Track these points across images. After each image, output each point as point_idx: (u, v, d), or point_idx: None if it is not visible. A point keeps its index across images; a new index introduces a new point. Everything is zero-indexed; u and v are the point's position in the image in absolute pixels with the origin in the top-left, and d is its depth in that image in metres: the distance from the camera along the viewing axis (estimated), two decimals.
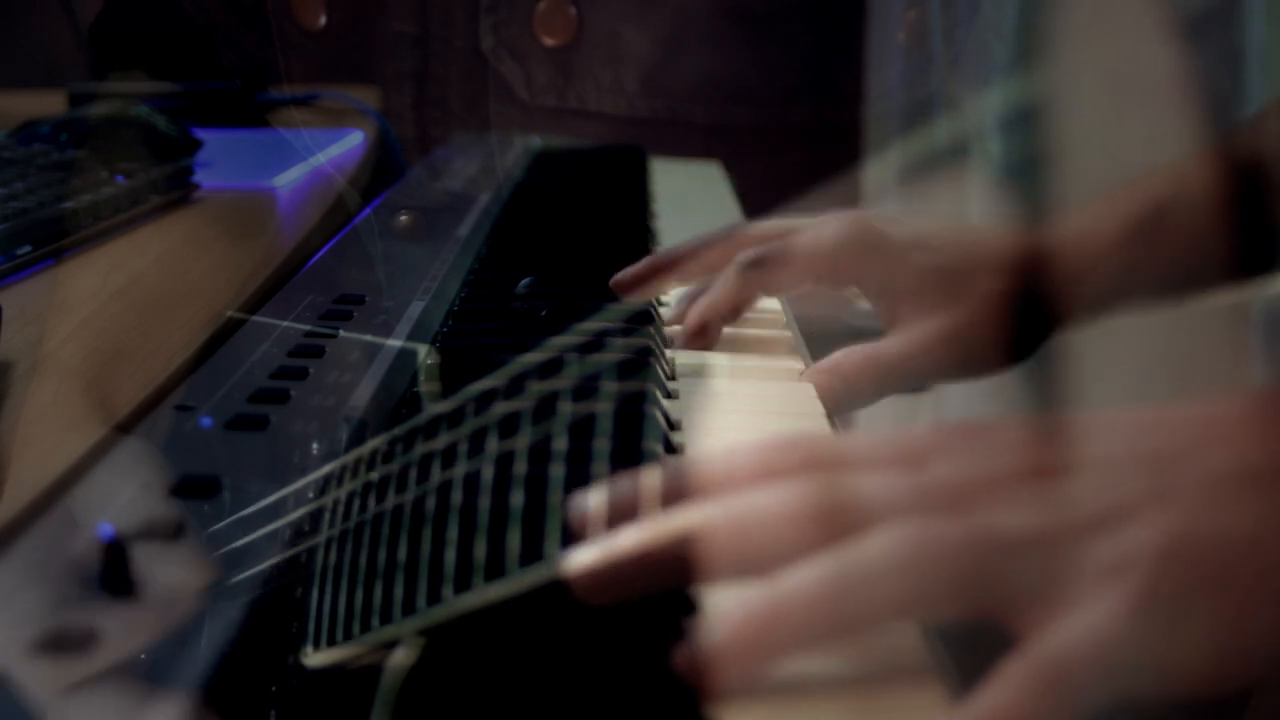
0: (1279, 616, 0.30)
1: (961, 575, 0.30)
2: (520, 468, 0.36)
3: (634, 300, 0.58)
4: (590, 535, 0.33)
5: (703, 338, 0.57)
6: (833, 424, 0.50)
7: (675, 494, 0.33)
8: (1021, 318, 0.56)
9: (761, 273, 0.56)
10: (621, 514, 0.33)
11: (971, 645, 0.31)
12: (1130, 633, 0.29)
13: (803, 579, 0.30)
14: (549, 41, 1.17)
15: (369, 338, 0.54)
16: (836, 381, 0.53)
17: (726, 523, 0.32)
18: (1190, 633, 0.29)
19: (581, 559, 0.32)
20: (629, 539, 0.32)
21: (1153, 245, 0.56)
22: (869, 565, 0.30)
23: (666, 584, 0.32)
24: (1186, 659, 0.29)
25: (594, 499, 0.33)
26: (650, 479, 0.34)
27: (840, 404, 0.53)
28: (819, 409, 0.50)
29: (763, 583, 0.30)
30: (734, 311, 0.57)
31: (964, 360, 0.56)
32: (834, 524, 0.31)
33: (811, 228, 0.58)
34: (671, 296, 0.64)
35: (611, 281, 0.59)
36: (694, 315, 0.57)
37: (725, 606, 0.30)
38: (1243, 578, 0.30)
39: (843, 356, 0.54)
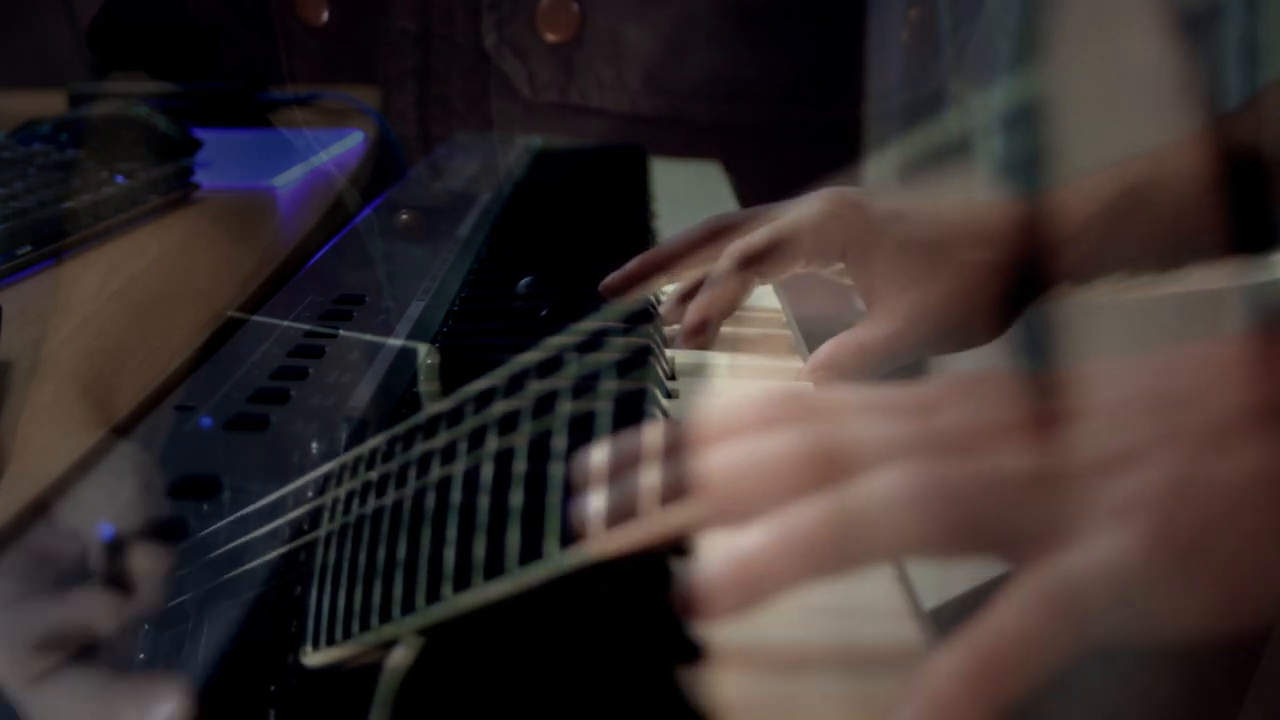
0: None
1: (965, 514, 0.30)
2: (520, 466, 0.36)
3: (625, 302, 0.58)
4: (593, 493, 0.32)
5: (701, 336, 0.57)
6: None
7: (675, 447, 0.33)
8: (999, 288, 0.56)
9: (752, 263, 0.56)
10: (623, 468, 0.33)
11: None
12: (1142, 569, 0.28)
13: (804, 513, 0.30)
14: (551, 38, 1.17)
15: (369, 338, 0.54)
16: (834, 377, 0.54)
17: (728, 470, 0.31)
18: (1202, 574, 0.29)
19: (592, 510, 0.32)
20: (631, 492, 0.32)
21: (1130, 219, 0.56)
22: (871, 502, 0.30)
23: (671, 537, 0.32)
24: (1199, 599, 0.29)
25: (596, 456, 0.33)
26: (650, 435, 0.33)
27: None
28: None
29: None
30: (731, 306, 0.57)
31: (946, 332, 0.56)
32: (837, 467, 0.31)
33: (792, 209, 0.58)
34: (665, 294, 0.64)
35: (601, 286, 0.59)
36: (692, 314, 0.57)
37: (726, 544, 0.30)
38: (1253, 517, 0.29)
39: (834, 350, 0.55)
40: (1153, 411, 0.31)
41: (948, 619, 0.38)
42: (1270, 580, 0.30)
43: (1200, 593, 0.29)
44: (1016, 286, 0.57)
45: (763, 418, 0.33)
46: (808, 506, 0.30)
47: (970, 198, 0.61)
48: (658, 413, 0.43)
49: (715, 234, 0.59)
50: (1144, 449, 0.30)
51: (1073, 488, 0.30)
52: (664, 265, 0.60)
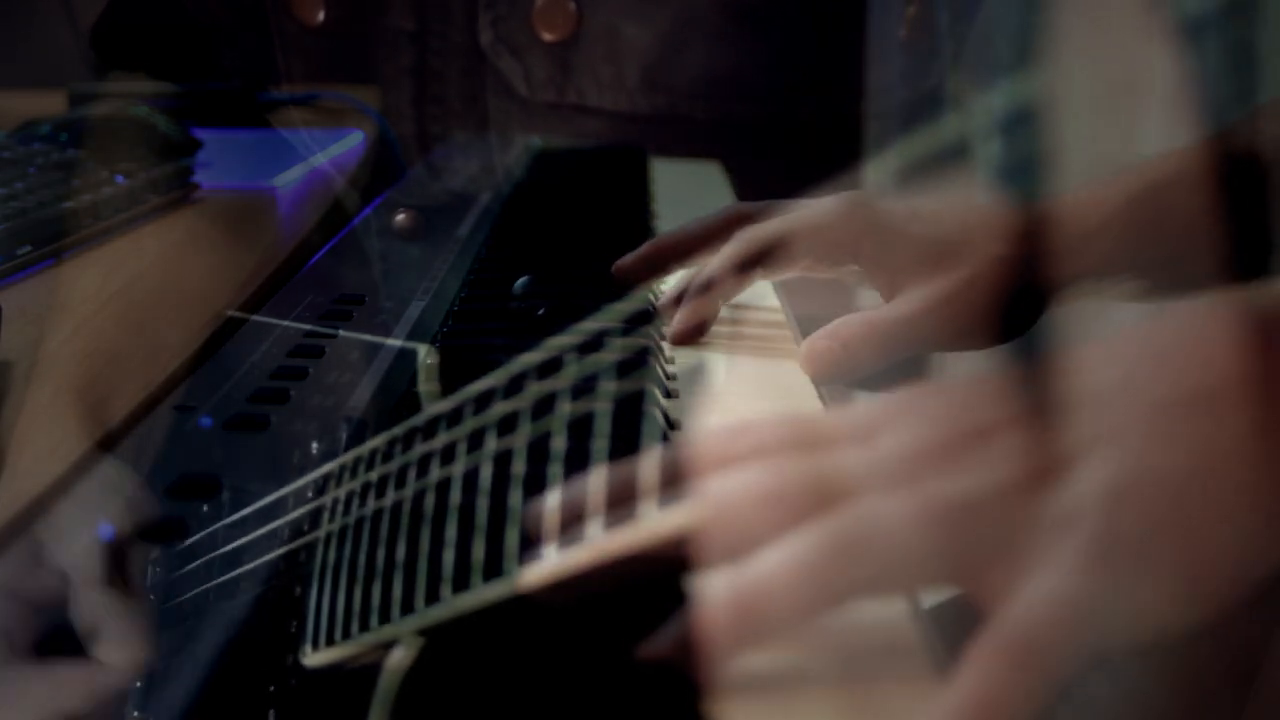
0: (1239, 541, 0.29)
1: (919, 548, 0.30)
2: (519, 467, 0.36)
3: (635, 285, 0.58)
4: (544, 536, 0.33)
5: (693, 337, 0.57)
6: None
7: (623, 489, 0.33)
8: (1019, 284, 0.55)
9: (753, 260, 0.56)
10: (574, 517, 0.33)
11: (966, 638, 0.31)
12: (1091, 586, 0.28)
13: (771, 562, 0.30)
14: (548, 37, 1.17)
15: (369, 338, 0.54)
16: (837, 347, 0.53)
17: (702, 512, 0.31)
18: (1153, 573, 0.29)
19: (542, 569, 0.32)
20: (585, 550, 0.32)
21: (1148, 222, 0.56)
22: (835, 546, 0.29)
23: (625, 582, 0.32)
24: (1153, 600, 0.29)
25: (547, 505, 0.33)
26: (597, 478, 0.33)
27: (841, 371, 0.53)
28: (820, 406, 0.50)
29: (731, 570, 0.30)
30: (732, 294, 0.57)
31: (962, 325, 0.55)
32: (788, 508, 0.31)
33: (808, 207, 0.58)
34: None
35: (613, 267, 0.59)
36: (683, 316, 0.57)
37: (699, 591, 0.30)
38: (1196, 506, 0.29)
39: (842, 323, 0.54)
40: (1088, 410, 0.31)
41: (946, 617, 0.39)
42: (1225, 566, 0.29)
43: (1157, 591, 0.29)
44: (1036, 285, 0.56)
45: (720, 455, 0.33)
46: (772, 555, 0.30)
47: (986, 199, 0.60)
48: (657, 413, 0.43)
49: (732, 223, 0.58)
50: (1079, 452, 0.30)
51: (1013, 505, 0.30)
52: (679, 250, 0.59)
